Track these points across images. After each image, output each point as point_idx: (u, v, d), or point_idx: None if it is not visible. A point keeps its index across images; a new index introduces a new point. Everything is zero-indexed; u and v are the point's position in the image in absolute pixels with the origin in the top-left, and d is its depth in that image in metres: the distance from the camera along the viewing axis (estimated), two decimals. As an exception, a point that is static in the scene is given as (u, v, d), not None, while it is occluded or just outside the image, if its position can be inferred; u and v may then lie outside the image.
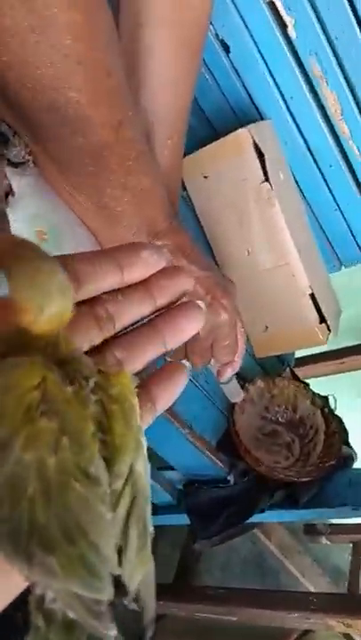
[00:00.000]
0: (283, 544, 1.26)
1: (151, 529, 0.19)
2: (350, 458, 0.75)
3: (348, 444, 0.78)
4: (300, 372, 1.18)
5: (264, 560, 1.57)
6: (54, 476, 0.15)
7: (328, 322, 0.78)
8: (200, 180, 0.78)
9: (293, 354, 0.95)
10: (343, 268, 1.10)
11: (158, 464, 0.81)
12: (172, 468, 0.79)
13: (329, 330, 0.79)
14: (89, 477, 0.16)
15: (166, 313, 0.26)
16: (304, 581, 1.41)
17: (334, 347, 1.17)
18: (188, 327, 0.26)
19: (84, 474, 0.16)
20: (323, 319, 0.77)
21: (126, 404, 0.20)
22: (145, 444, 0.20)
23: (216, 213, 0.79)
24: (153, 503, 0.83)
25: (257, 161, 0.72)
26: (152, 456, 0.82)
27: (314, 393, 0.80)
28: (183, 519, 0.80)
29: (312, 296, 0.77)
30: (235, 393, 0.68)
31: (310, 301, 0.77)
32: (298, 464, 0.74)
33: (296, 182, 0.95)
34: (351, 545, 1.61)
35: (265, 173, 0.72)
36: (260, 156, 0.72)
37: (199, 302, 0.27)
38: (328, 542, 1.78)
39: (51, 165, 0.41)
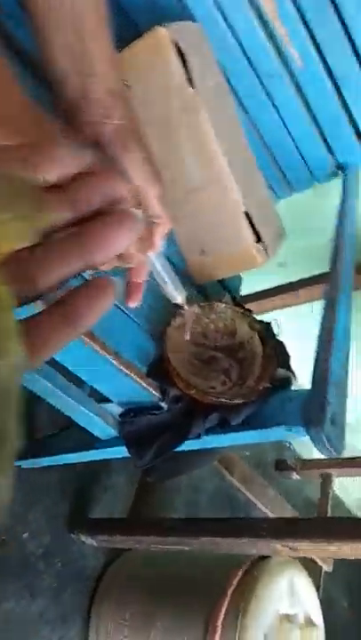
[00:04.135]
0: (245, 477, 1.27)
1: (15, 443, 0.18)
2: (287, 380, 0.73)
3: (288, 367, 0.76)
4: (254, 305, 1.15)
5: (233, 495, 1.60)
6: None
7: (265, 242, 0.74)
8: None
9: (240, 281, 0.91)
10: (294, 193, 1.06)
11: (99, 397, 0.79)
12: (111, 401, 0.77)
13: (267, 251, 0.75)
14: None
15: (91, 221, 0.23)
16: (269, 513, 1.43)
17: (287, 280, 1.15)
18: (116, 238, 0.23)
19: None
20: (259, 238, 0.73)
21: None
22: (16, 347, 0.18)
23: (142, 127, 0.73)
24: (96, 437, 0.79)
25: (180, 64, 0.66)
26: (92, 389, 0.80)
27: (253, 317, 0.77)
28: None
29: (247, 214, 0.72)
30: (172, 289, 0.46)
31: (245, 220, 0.73)
32: (234, 388, 0.72)
33: (240, 102, 0.89)
34: (321, 479, 1.65)
35: (189, 79, 0.66)
36: (183, 58, 0.66)
37: (134, 210, 0.24)
38: (299, 477, 1.82)
39: None
